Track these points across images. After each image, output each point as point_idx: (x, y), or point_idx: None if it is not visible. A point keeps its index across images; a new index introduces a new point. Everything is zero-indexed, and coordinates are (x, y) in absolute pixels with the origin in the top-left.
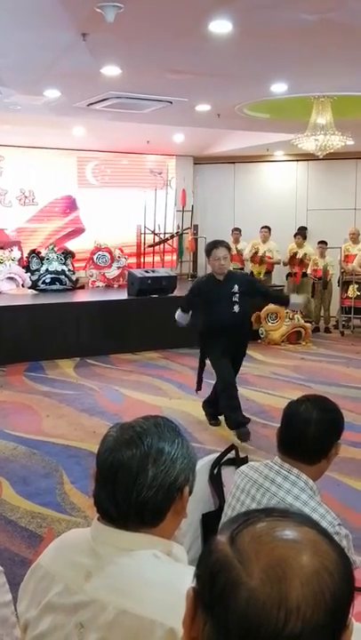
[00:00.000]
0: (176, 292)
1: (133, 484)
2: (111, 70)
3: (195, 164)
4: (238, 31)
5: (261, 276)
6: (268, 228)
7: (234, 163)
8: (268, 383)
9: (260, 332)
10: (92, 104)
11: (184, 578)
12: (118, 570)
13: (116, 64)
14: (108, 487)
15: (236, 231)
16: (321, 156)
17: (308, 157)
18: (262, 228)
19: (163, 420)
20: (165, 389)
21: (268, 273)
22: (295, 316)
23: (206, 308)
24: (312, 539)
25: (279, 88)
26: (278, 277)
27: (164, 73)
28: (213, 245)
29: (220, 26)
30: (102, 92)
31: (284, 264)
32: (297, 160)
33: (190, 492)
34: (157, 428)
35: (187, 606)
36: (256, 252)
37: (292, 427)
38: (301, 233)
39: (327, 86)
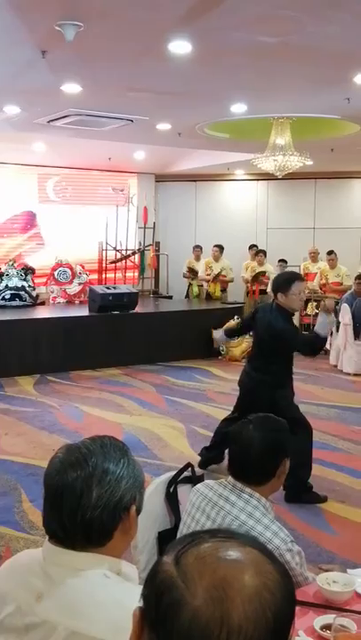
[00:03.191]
0: (137, 309)
1: (78, 505)
2: (71, 87)
3: (156, 181)
4: (198, 52)
5: (218, 294)
6: (220, 247)
7: (195, 181)
8: (229, 399)
9: (220, 348)
10: (52, 120)
11: (134, 597)
12: (68, 591)
13: (76, 81)
14: (55, 509)
15: (198, 249)
16: (280, 176)
17: (268, 177)
18: (214, 246)
19: (109, 439)
20: (126, 406)
21: (224, 290)
22: None
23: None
24: (255, 559)
25: (239, 108)
26: (237, 295)
27: (125, 91)
28: (297, 276)
29: (180, 46)
30: (63, 109)
31: (246, 281)
32: (257, 179)
33: (138, 512)
34: (103, 448)
35: (133, 626)
36: (219, 273)
37: (236, 451)
38: (263, 252)
39: (286, 107)
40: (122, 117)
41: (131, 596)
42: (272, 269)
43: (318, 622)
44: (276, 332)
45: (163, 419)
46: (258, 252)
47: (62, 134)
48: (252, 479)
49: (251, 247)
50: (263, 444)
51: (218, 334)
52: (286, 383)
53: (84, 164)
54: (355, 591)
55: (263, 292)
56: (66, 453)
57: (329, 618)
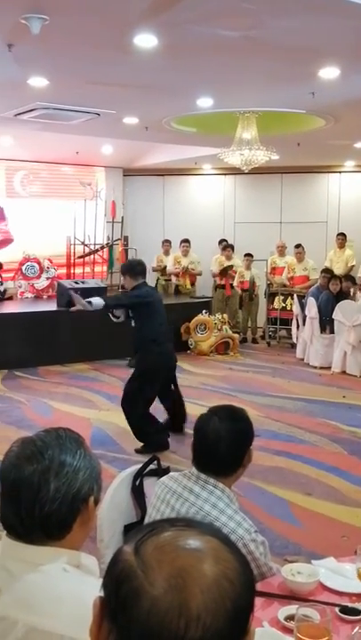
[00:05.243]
0: None
1: (35, 499)
2: (38, 81)
3: (124, 175)
4: (163, 46)
5: (187, 288)
6: (188, 242)
7: (163, 175)
8: (197, 393)
9: (189, 342)
10: (19, 114)
11: (94, 591)
12: (27, 586)
13: (42, 75)
14: (13, 503)
15: (167, 243)
16: (246, 171)
17: (234, 171)
18: (182, 242)
19: (65, 431)
20: (95, 401)
21: (192, 285)
22: (224, 327)
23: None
24: (214, 547)
25: (205, 103)
26: (205, 289)
27: (91, 85)
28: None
29: (145, 40)
30: (29, 103)
31: (214, 276)
32: (224, 174)
33: (96, 502)
34: (59, 440)
35: (93, 615)
36: (185, 267)
37: (203, 443)
38: (231, 246)
39: (252, 102)
40: (89, 111)
41: (90, 590)
42: (240, 263)
43: (283, 613)
44: None
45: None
46: (226, 247)
47: (29, 128)
48: (221, 471)
49: (220, 242)
50: (232, 435)
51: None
52: None
53: (52, 157)
54: (319, 582)
55: (231, 286)
56: (21, 447)
57: (293, 609)
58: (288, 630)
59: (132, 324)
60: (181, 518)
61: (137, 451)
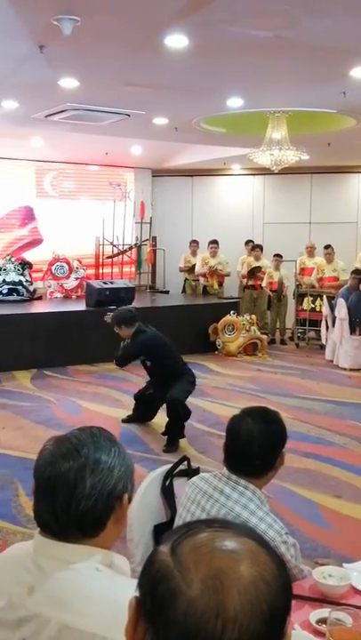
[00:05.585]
0: (134, 304)
1: (72, 496)
2: (69, 82)
3: (153, 176)
4: (194, 46)
5: (215, 288)
6: (216, 243)
7: (192, 176)
8: (225, 394)
9: (216, 343)
10: (49, 115)
11: (125, 591)
12: (60, 584)
13: (73, 76)
14: (48, 501)
15: (195, 243)
16: (276, 171)
17: (264, 172)
18: (210, 243)
19: (98, 429)
20: (123, 401)
21: (220, 285)
22: (252, 327)
23: None
24: (251, 549)
25: (235, 103)
26: (233, 290)
27: (122, 86)
28: None
29: (176, 40)
30: (60, 104)
31: (243, 277)
32: (253, 174)
33: (130, 500)
34: (93, 438)
35: (129, 615)
36: (214, 267)
37: (236, 444)
38: (259, 246)
39: (282, 102)
40: (119, 112)
41: (122, 590)
42: (268, 264)
43: (314, 616)
44: None
45: (159, 413)
46: (254, 247)
47: (60, 129)
48: (253, 472)
49: (247, 242)
50: (265, 436)
51: None
52: None
53: (82, 158)
54: (350, 585)
55: (261, 286)
56: (55, 445)
57: (325, 612)
58: (320, 634)
59: (148, 364)
60: (217, 519)
61: (165, 450)
